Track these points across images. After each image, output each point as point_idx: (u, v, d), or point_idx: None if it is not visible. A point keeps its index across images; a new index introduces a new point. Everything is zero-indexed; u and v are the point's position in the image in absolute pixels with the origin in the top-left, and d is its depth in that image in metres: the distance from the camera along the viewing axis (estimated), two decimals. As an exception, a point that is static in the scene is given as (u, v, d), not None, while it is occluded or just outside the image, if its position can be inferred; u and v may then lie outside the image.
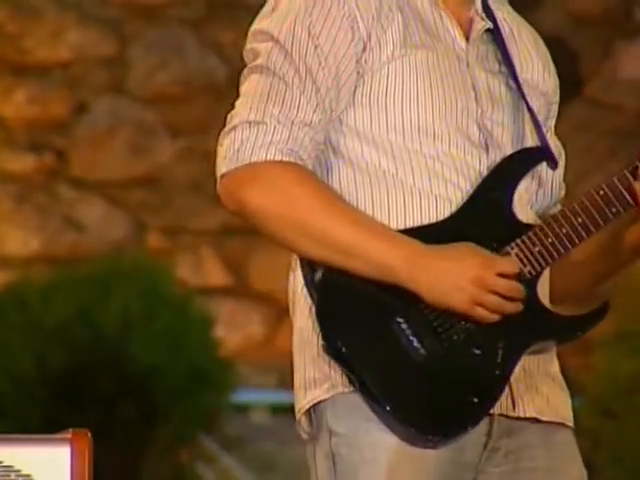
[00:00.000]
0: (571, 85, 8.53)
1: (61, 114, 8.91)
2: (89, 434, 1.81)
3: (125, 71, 9.11)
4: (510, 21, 2.26)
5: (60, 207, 8.78)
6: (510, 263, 1.92)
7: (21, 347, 6.81)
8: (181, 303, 7.19)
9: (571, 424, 2.04)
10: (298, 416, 1.96)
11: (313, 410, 1.92)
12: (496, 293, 1.87)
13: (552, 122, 2.27)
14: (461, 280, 1.86)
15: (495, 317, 1.87)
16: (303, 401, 1.94)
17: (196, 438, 7.05)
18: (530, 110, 2.13)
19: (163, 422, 6.83)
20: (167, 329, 6.95)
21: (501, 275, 1.88)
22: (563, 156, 2.30)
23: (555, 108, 2.29)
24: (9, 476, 1.76)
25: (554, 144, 2.24)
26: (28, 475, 1.77)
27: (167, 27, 9.06)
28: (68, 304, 6.99)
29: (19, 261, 8.51)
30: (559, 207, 2.17)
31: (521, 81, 2.15)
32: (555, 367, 2.08)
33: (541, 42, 2.32)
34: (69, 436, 1.81)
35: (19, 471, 1.78)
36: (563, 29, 8.83)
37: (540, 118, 2.17)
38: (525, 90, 2.15)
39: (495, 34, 2.16)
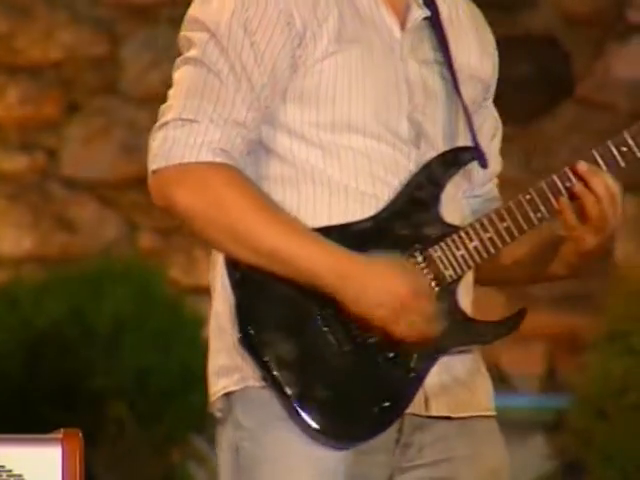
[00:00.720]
0: (563, 85, 8.56)
1: (53, 114, 8.90)
2: (80, 434, 1.81)
3: (117, 71, 9.09)
4: (449, 2, 2.20)
5: (52, 207, 8.76)
6: (429, 275, 1.93)
7: (12, 347, 6.80)
8: (173, 303, 7.19)
9: (492, 413, 2.05)
10: (212, 399, 1.97)
11: (225, 397, 1.94)
12: (415, 312, 1.88)
13: (489, 102, 2.26)
14: (384, 298, 1.86)
15: (412, 336, 1.88)
16: (215, 387, 1.96)
17: (188, 438, 7.04)
18: (464, 106, 2.11)
19: (155, 422, 6.82)
20: (159, 329, 6.95)
21: (422, 293, 1.88)
22: (500, 131, 2.30)
23: (492, 89, 2.28)
24: (0, 476, 1.77)
25: (494, 118, 2.24)
26: (19, 475, 1.78)
27: (159, 27, 9.04)
28: (60, 304, 6.98)
29: (11, 261, 8.48)
30: (496, 203, 2.16)
31: (457, 69, 2.12)
32: (477, 360, 2.07)
33: (481, 20, 2.30)
34: (60, 436, 1.82)
35: (10, 471, 1.78)
36: (555, 29, 8.84)
37: (474, 108, 2.16)
38: (461, 79, 2.12)
39: (433, 21, 2.13)
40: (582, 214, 1.94)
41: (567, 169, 1.98)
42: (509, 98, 8.45)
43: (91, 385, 6.72)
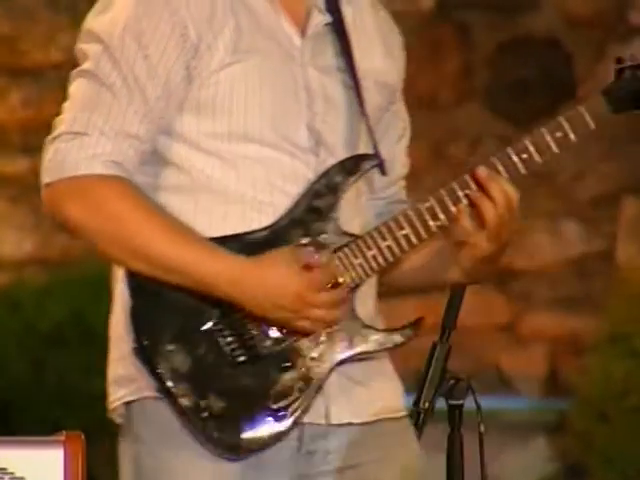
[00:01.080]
0: (565, 87, 8.56)
1: (55, 116, 8.89)
2: (82, 436, 1.81)
3: (119, 73, 9.07)
4: (354, 6, 2.16)
5: (54, 209, 8.73)
6: (325, 274, 1.91)
7: (16, 350, 6.80)
8: (174, 305, 7.17)
9: (401, 414, 2.09)
10: (111, 407, 1.97)
11: (125, 406, 1.94)
12: (317, 306, 1.88)
13: (397, 105, 2.24)
14: (283, 300, 1.86)
15: (318, 328, 1.89)
16: (113, 396, 1.97)
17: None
18: (365, 114, 2.09)
19: (157, 424, 6.81)
20: (160, 331, 6.93)
21: (319, 287, 1.88)
22: (408, 132, 2.27)
23: (399, 93, 2.25)
24: (3, 478, 1.77)
25: (401, 121, 2.22)
26: (22, 477, 1.78)
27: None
28: (62, 306, 6.97)
29: (12, 264, 8.49)
30: (401, 206, 2.16)
31: (361, 76, 2.10)
32: (382, 363, 2.10)
33: (388, 23, 2.25)
34: (62, 438, 1.82)
35: (13, 473, 1.78)
36: (557, 31, 8.84)
37: (380, 114, 2.14)
38: (365, 85, 2.10)
39: (336, 27, 2.11)
40: (479, 220, 1.93)
41: (467, 176, 1.96)
42: (511, 100, 8.49)
43: (93, 386, 6.72)
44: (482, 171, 1.94)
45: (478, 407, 2.29)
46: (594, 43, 8.91)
